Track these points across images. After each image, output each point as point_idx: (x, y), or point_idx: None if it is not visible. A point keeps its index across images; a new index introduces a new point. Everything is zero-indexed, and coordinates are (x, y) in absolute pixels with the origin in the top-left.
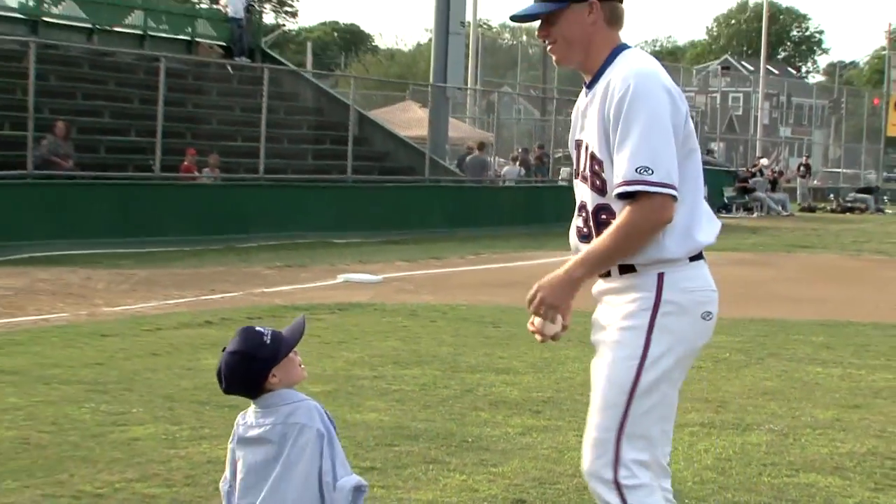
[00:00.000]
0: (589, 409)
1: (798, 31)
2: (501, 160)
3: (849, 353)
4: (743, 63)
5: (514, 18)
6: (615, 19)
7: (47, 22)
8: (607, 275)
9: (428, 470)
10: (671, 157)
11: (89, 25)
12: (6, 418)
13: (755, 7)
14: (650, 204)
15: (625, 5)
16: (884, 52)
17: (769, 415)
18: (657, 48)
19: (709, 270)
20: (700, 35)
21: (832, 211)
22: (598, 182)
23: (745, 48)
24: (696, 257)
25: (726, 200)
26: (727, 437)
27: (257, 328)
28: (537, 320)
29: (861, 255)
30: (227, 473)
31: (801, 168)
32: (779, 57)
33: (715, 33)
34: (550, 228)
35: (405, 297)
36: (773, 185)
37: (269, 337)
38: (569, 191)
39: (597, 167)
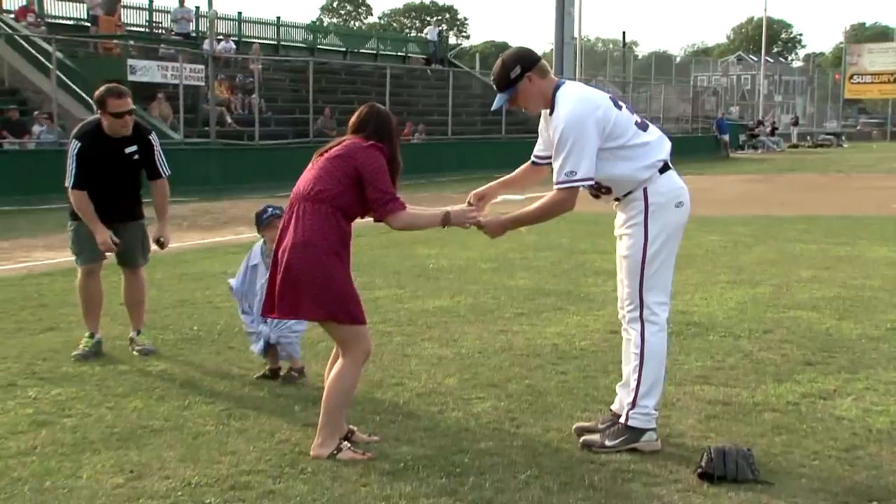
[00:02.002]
0: (619, 278)
1: (785, 34)
2: None
3: (821, 234)
4: (750, 56)
5: (493, 111)
6: (545, 71)
7: (320, 48)
8: (617, 199)
9: (556, 314)
10: (588, 162)
11: (344, 49)
12: None
13: (758, 20)
14: (566, 192)
15: (542, 59)
16: (842, 45)
17: (771, 275)
18: (694, 49)
19: (675, 174)
20: (722, 39)
21: (810, 147)
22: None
23: (751, 46)
24: (664, 170)
25: (740, 143)
26: (744, 289)
27: (268, 207)
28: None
29: (828, 173)
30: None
31: (793, 119)
32: (774, 51)
33: (732, 37)
34: None
35: None
36: (773, 131)
37: (266, 211)
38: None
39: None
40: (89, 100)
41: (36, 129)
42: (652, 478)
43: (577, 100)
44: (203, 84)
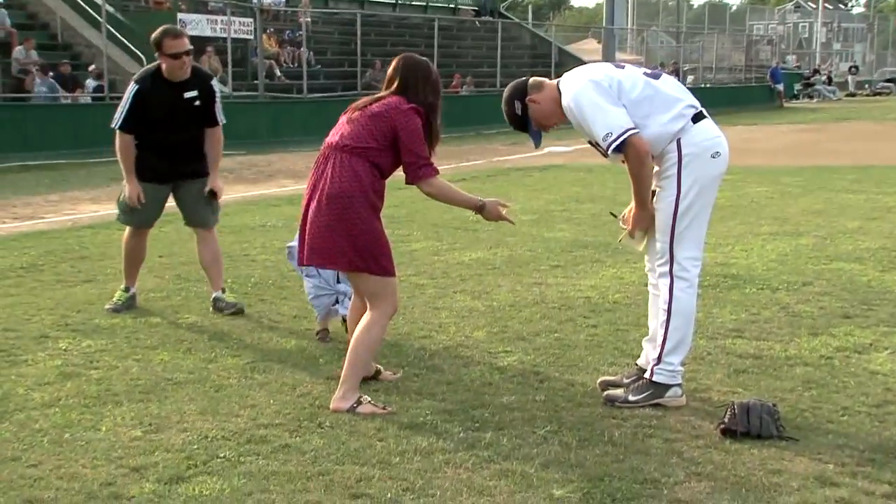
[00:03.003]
0: (654, 232)
1: None
2: None
3: (871, 185)
4: (808, 3)
5: (536, 146)
6: (539, 84)
7: (369, 1)
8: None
9: (592, 266)
10: (615, 115)
11: (393, 1)
12: None
13: None
14: (627, 147)
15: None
16: None
17: (815, 226)
18: None
19: (711, 123)
20: None
21: (867, 95)
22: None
23: None
24: (697, 119)
25: (795, 92)
26: (786, 240)
27: None
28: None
29: (884, 121)
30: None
31: (852, 68)
32: None
33: None
34: None
35: (585, 159)
36: (829, 80)
37: None
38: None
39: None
40: (140, 54)
41: (89, 83)
42: (674, 433)
43: (572, 80)
44: (252, 38)
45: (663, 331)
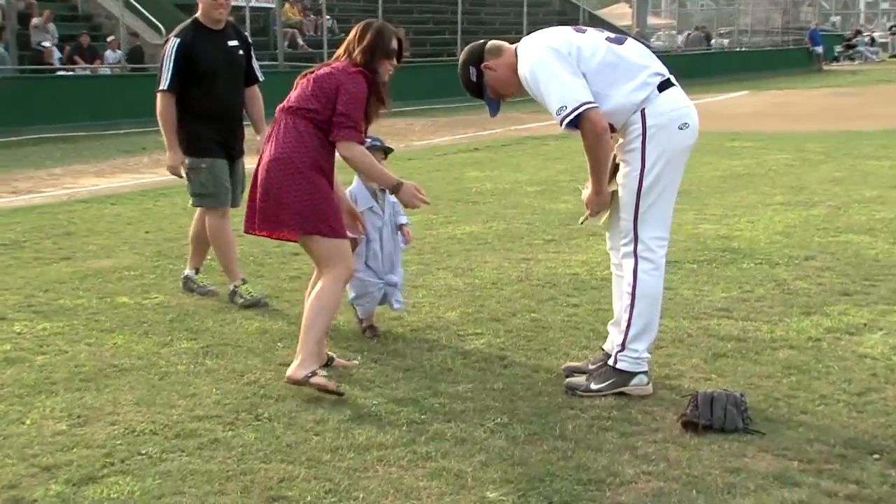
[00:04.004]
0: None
1: None
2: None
3: None
4: None
5: (492, 115)
6: (497, 50)
7: None
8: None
9: (588, 240)
10: (571, 86)
11: None
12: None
13: None
14: (582, 123)
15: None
16: None
17: (831, 195)
18: None
19: (679, 92)
20: None
21: None
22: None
23: None
24: (663, 87)
25: (836, 54)
26: (797, 211)
27: (366, 136)
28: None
29: None
30: None
31: (893, 28)
32: None
33: None
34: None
35: None
36: (872, 41)
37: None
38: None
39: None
40: (159, 24)
41: (108, 54)
42: (632, 426)
43: (529, 47)
44: (273, 6)
45: (627, 315)
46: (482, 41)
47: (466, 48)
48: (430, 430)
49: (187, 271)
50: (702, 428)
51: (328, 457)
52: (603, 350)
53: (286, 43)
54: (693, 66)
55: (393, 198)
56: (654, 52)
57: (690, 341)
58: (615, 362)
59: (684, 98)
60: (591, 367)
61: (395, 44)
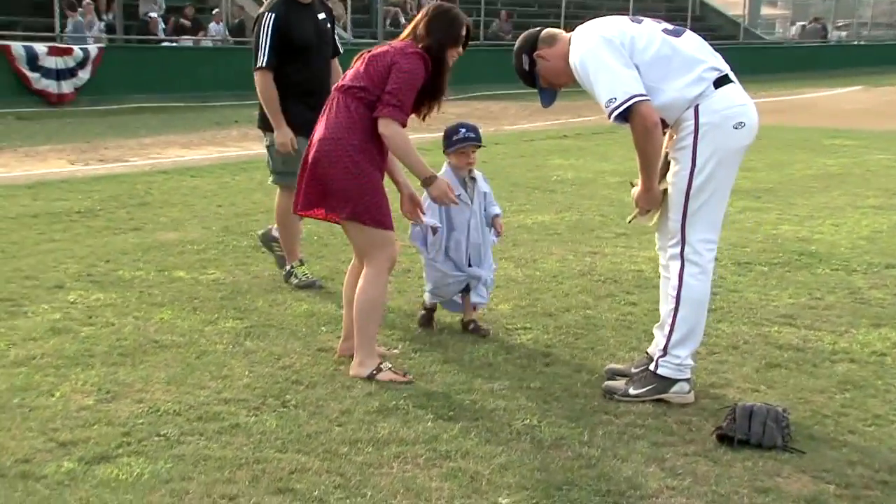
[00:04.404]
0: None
1: None
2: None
3: None
4: None
5: (544, 106)
6: (551, 38)
7: None
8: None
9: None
10: (622, 78)
11: None
12: None
13: None
14: (632, 116)
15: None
16: None
17: None
18: None
19: (737, 89)
20: None
21: None
22: None
23: None
24: (721, 83)
25: None
26: (887, 215)
27: (461, 125)
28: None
29: None
30: None
31: None
32: None
33: None
34: (826, 73)
35: None
36: None
37: (458, 131)
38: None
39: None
40: None
41: (212, 26)
42: (665, 436)
43: (581, 36)
44: None
45: (671, 320)
46: (538, 29)
47: (521, 36)
48: (454, 428)
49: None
50: (737, 442)
51: (345, 449)
52: (647, 353)
53: (388, 21)
54: (807, 59)
55: (487, 186)
56: (765, 43)
57: (745, 348)
58: (656, 367)
59: (742, 95)
60: (633, 370)
61: (464, 31)
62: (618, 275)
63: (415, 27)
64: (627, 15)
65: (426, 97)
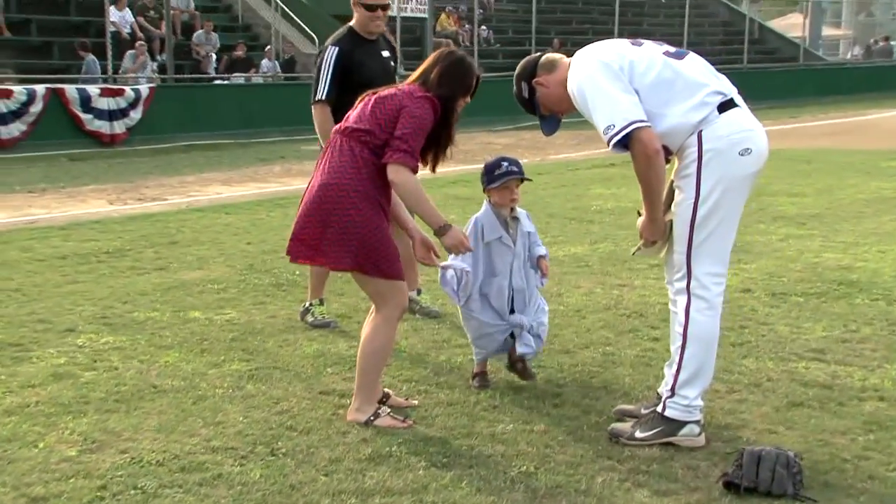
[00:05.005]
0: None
1: None
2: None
3: None
4: None
5: (546, 134)
6: (550, 64)
7: None
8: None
9: None
10: (621, 104)
11: None
12: None
13: None
14: (632, 144)
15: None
16: None
17: None
18: None
19: (743, 114)
20: None
21: None
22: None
23: None
24: (725, 108)
25: None
26: None
27: (502, 159)
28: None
29: None
30: None
31: None
32: None
33: None
34: (892, 93)
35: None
36: None
37: (501, 165)
38: None
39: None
40: (313, 34)
41: (264, 63)
42: (669, 483)
43: (579, 61)
44: (426, 16)
45: (678, 358)
46: (538, 54)
47: (521, 62)
48: (446, 477)
49: (410, 293)
50: (744, 490)
51: (327, 501)
52: (658, 393)
53: None
54: (871, 79)
55: (531, 225)
56: (827, 64)
57: (768, 386)
58: (664, 409)
59: (749, 120)
60: (643, 411)
61: (474, 81)
62: (644, 308)
63: (424, 72)
64: (660, 43)
65: (433, 145)
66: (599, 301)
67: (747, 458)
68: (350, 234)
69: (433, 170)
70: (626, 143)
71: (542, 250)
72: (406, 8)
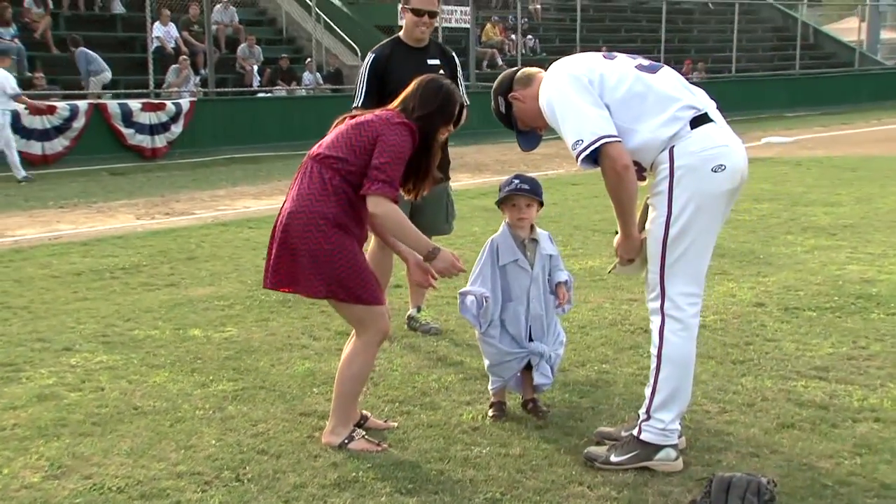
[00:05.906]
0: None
1: None
2: None
3: None
4: None
5: (523, 150)
6: (527, 79)
7: None
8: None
9: (713, 278)
10: (590, 118)
11: None
12: None
13: None
14: (601, 159)
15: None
16: None
17: None
18: None
19: (718, 129)
20: None
21: None
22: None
23: None
24: (697, 123)
25: None
26: None
27: (514, 177)
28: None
29: None
30: None
31: None
32: None
33: None
34: None
35: (801, 152)
36: None
37: (511, 182)
38: None
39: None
40: (356, 47)
41: (305, 76)
42: None
43: (549, 76)
44: (469, 26)
45: (653, 380)
46: (515, 68)
47: (498, 77)
48: None
49: (411, 310)
50: None
51: None
52: (637, 415)
53: (485, 63)
54: None
55: (553, 248)
56: (885, 69)
57: (762, 406)
58: (639, 432)
59: (723, 136)
60: (623, 433)
61: (457, 110)
62: (649, 323)
63: (405, 98)
64: (634, 56)
65: (412, 173)
66: (606, 316)
67: (716, 486)
68: (321, 262)
69: (415, 198)
70: (595, 158)
71: (563, 276)
72: (451, 19)
